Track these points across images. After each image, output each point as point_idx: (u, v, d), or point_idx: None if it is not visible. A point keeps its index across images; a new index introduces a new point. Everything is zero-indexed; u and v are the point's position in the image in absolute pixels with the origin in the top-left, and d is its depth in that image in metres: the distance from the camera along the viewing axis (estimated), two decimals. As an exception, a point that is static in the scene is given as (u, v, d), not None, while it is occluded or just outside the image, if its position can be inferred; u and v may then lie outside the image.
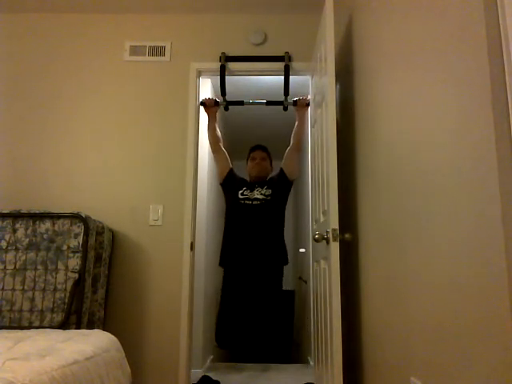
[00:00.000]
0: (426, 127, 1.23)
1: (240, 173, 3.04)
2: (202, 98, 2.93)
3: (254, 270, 2.68)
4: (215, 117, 2.89)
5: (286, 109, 2.95)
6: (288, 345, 2.77)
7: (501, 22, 0.88)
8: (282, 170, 2.86)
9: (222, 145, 2.90)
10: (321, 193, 2.25)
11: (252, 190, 2.81)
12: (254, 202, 2.75)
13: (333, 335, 1.81)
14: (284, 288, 2.88)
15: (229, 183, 2.86)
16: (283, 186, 2.82)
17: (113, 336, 1.88)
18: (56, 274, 2.21)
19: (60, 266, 2.22)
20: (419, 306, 1.26)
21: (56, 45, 2.92)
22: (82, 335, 1.75)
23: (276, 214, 2.78)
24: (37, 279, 2.21)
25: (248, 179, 2.94)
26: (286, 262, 2.77)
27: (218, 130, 2.90)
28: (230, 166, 2.90)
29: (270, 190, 2.79)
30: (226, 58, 2.84)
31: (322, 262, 2.17)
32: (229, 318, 2.67)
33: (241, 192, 2.80)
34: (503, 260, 0.83)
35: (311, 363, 3.22)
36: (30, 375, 1.10)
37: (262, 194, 2.78)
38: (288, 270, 2.79)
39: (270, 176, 2.95)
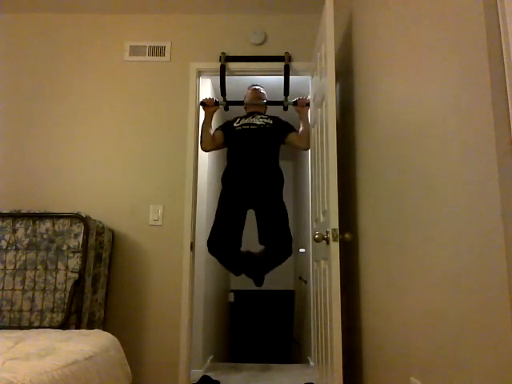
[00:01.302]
0: (426, 127, 1.23)
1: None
2: (202, 98, 2.93)
3: (253, 184, 2.69)
4: (212, 116, 2.89)
5: (286, 109, 2.94)
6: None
7: (501, 22, 0.88)
8: (286, 133, 2.80)
9: (212, 142, 2.88)
10: (321, 193, 2.25)
11: (247, 118, 2.83)
12: (252, 127, 2.76)
13: (333, 335, 1.81)
14: (284, 288, 2.87)
15: (228, 135, 2.84)
16: (280, 134, 2.80)
17: (113, 336, 1.88)
18: (56, 274, 2.21)
19: (60, 266, 2.22)
20: (419, 305, 1.26)
21: (56, 45, 2.92)
22: (82, 335, 1.75)
23: (273, 141, 2.78)
24: (37, 279, 2.21)
25: (244, 114, 2.93)
26: (281, 184, 2.77)
27: (210, 129, 2.89)
28: (221, 134, 2.86)
29: (271, 121, 2.80)
30: (226, 58, 2.84)
31: (322, 262, 2.17)
32: (224, 225, 2.68)
33: (236, 122, 2.83)
34: (503, 260, 0.83)
35: (311, 363, 3.22)
36: (30, 375, 1.10)
37: (261, 121, 2.79)
38: (288, 270, 2.78)
39: (274, 116, 2.91)
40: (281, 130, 2.82)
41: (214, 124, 3.01)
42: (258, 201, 2.70)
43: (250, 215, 2.77)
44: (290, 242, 2.72)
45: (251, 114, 2.87)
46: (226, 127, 2.88)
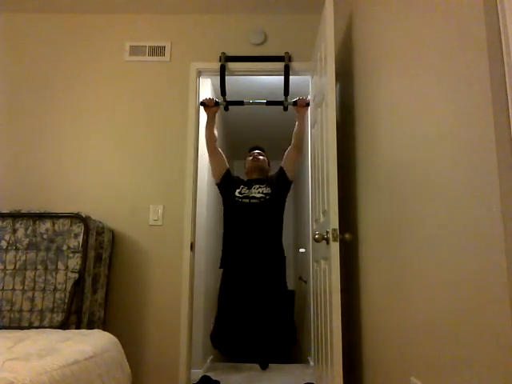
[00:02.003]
0: (426, 127, 1.23)
1: (237, 173, 3.02)
2: (202, 98, 2.92)
3: (254, 270, 2.62)
4: (214, 117, 2.86)
5: (286, 109, 2.94)
6: (292, 344, 2.71)
7: (501, 22, 0.88)
8: (281, 168, 2.80)
9: (217, 145, 2.87)
10: (321, 193, 2.25)
11: (250, 188, 2.75)
12: (252, 201, 2.68)
13: (333, 335, 1.81)
14: (284, 288, 2.85)
15: (226, 183, 2.81)
16: (283, 186, 2.77)
17: (113, 336, 1.88)
18: (56, 274, 2.21)
19: (60, 266, 2.22)
20: (419, 305, 1.26)
21: (56, 45, 2.92)
22: (82, 335, 1.75)
23: (275, 214, 2.72)
24: (37, 279, 2.21)
25: (245, 179, 2.89)
26: (284, 266, 2.70)
27: (215, 130, 2.88)
28: (227, 165, 2.86)
29: (269, 189, 2.74)
30: (226, 58, 2.84)
31: (322, 262, 2.17)
32: (228, 319, 2.60)
33: (238, 191, 2.74)
34: (503, 260, 0.83)
35: (311, 363, 3.22)
36: (30, 375, 1.10)
37: (260, 193, 2.71)
38: (288, 270, 2.77)
39: (269, 175, 2.91)
40: (278, 179, 2.77)
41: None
42: (262, 289, 2.60)
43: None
44: (295, 332, 2.65)
45: (251, 184, 2.79)
46: (230, 182, 2.80)
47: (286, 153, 2.83)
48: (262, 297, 2.60)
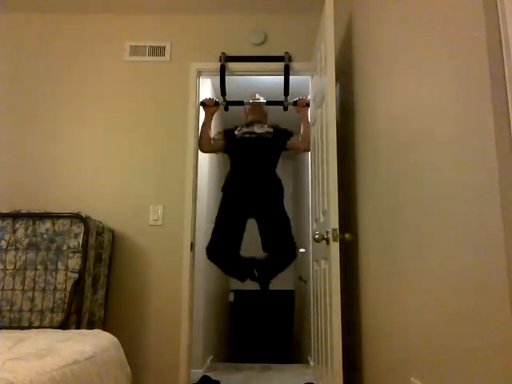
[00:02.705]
0: (426, 127, 1.23)
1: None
2: (202, 98, 2.93)
3: (254, 192, 2.70)
4: (212, 117, 2.89)
5: (286, 109, 2.94)
6: (292, 257, 2.74)
7: (501, 22, 0.88)
8: (286, 139, 2.83)
9: (210, 143, 2.89)
10: (321, 193, 2.25)
11: (249, 126, 2.84)
12: (253, 135, 2.78)
13: (333, 335, 1.81)
14: (284, 288, 2.87)
15: (228, 141, 2.85)
16: (281, 141, 2.82)
17: (113, 336, 1.88)
18: (56, 274, 2.21)
19: (60, 266, 2.22)
20: (419, 305, 1.26)
21: (56, 45, 2.92)
22: (82, 335, 1.75)
23: (273, 150, 2.80)
24: (37, 279, 2.21)
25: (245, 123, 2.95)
26: (282, 193, 2.77)
27: (210, 130, 2.89)
28: (223, 139, 2.87)
29: (272, 129, 2.82)
30: (226, 58, 2.84)
31: (322, 262, 2.17)
32: (225, 232, 2.68)
33: (237, 130, 2.84)
34: (504, 260, 0.83)
35: (311, 363, 3.22)
36: (30, 375, 1.10)
37: (261, 130, 2.81)
38: (288, 270, 2.78)
39: (274, 124, 2.93)
40: (281, 136, 2.83)
41: (213, 124, 3.00)
42: (260, 209, 2.70)
43: (252, 223, 2.77)
44: (294, 247, 2.72)
45: (252, 123, 2.88)
46: (227, 133, 2.88)
47: (297, 141, 2.82)
48: (261, 213, 2.69)
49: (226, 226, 2.71)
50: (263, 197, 2.70)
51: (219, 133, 2.92)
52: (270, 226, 2.69)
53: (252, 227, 2.81)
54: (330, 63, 2.04)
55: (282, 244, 2.67)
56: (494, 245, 0.86)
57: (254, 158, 2.75)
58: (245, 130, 2.83)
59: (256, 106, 2.94)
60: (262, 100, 2.98)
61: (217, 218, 2.78)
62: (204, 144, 2.84)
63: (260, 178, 2.73)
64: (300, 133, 2.81)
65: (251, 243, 3.02)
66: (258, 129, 2.83)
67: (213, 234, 2.73)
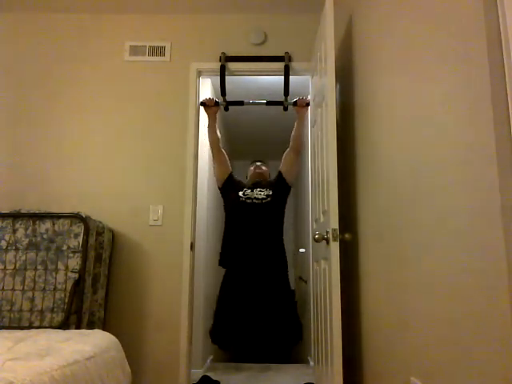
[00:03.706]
0: (426, 127, 1.23)
1: (237, 174, 3.03)
2: (202, 98, 2.92)
3: (257, 268, 2.62)
4: (215, 117, 2.86)
5: (286, 109, 2.94)
6: (298, 339, 2.68)
7: (501, 22, 0.88)
8: (280, 174, 2.82)
9: (221, 146, 2.87)
10: (321, 193, 2.25)
11: (252, 190, 2.78)
12: (255, 201, 2.72)
13: (333, 335, 1.81)
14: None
15: (229, 186, 2.82)
16: (282, 189, 2.80)
17: (113, 336, 1.88)
18: (56, 273, 2.21)
19: (60, 266, 2.22)
20: (419, 305, 1.26)
21: (56, 45, 2.92)
22: (82, 335, 1.75)
23: (276, 215, 2.74)
24: (37, 279, 2.21)
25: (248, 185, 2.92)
26: (286, 266, 2.71)
27: (218, 130, 2.88)
28: (230, 169, 2.88)
29: (271, 191, 2.76)
30: (226, 58, 2.84)
31: (322, 262, 2.17)
32: (228, 314, 2.60)
33: (242, 192, 2.77)
34: (504, 260, 0.83)
35: (311, 363, 3.21)
36: (30, 375, 1.10)
37: (262, 194, 2.75)
38: (288, 270, 2.76)
39: (269, 179, 2.94)
40: (279, 185, 2.79)
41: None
42: (264, 285, 2.60)
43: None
44: (300, 328, 2.63)
45: (253, 187, 2.81)
46: (233, 185, 2.83)
47: (284, 156, 2.82)
48: (265, 293, 2.60)
49: (231, 307, 2.60)
50: (267, 274, 2.61)
51: (230, 173, 2.87)
52: (274, 306, 2.58)
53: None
54: (330, 63, 2.04)
55: (287, 326, 2.58)
56: (494, 245, 0.86)
57: (258, 227, 2.67)
58: (248, 193, 2.76)
59: (260, 171, 2.93)
60: (262, 101, 2.98)
61: (219, 296, 2.69)
62: (213, 146, 2.82)
63: (264, 251, 2.64)
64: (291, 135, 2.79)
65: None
66: (258, 194, 2.75)
67: (216, 316, 2.64)
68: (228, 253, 2.72)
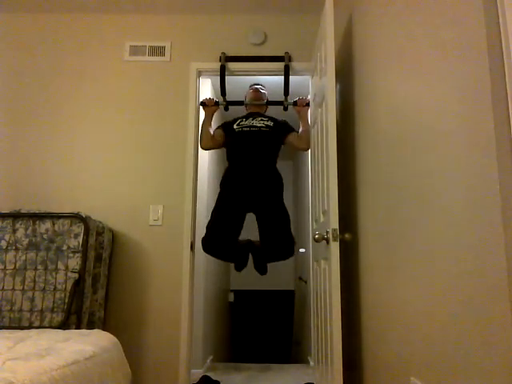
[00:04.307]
0: (425, 127, 1.23)
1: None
2: (202, 98, 2.93)
3: (252, 186, 2.67)
4: (212, 117, 2.89)
5: (286, 109, 2.94)
6: (290, 254, 2.70)
7: (501, 22, 0.88)
8: (286, 134, 2.80)
9: (212, 142, 2.88)
10: (321, 193, 2.25)
11: (249, 119, 2.81)
12: (252, 129, 2.75)
13: (333, 335, 1.81)
14: (284, 288, 2.84)
15: (228, 134, 2.83)
16: (280, 134, 2.79)
17: (113, 336, 1.88)
18: (56, 273, 2.21)
19: (60, 266, 2.22)
20: (419, 305, 1.26)
21: (56, 45, 2.92)
22: (82, 335, 1.75)
23: (273, 144, 2.77)
24: (37, 279, 2.21)
25: (245, 114, 2.92)
26: (282, 187, 2.75)
27: (210, 128, 2.89)
28: (222, 134, 2.85)
29: (272, 123, 2.79)
30: (226, 58, 2.84)
31: (322, 262, 2.17)
32: (222, 226, 2.63)
33: (235, 124, 2.81)
34: (503, 261, 0.83)
35: (311, 363, 3.22)
36: (29, 375, 1.10)
37: (261, 123, 2.77)
38: (288, 270, 2.77)
39: (274, 118, 2.90)
40: (281, 131, 2.80)
41: (214, 124, 3.00)
42: (259, 204, 2.66)
43: (251, 218, 2.75)
44: (293, 243, 2.68)
45: (251, 116, 2.85)
46: (226, 127, 2.87)
47: (295, 138, 2.79)
48: (260, 206, 2.66)
49: (223, 218, 2.66)
50: (262, 191, 2.67)
51: (218, 127, 2.90)
52: (268, 220, 2.64)
53: (252, 222, 2.77)
54: (330, 63, 2.04)
55: (280, 239, 2.63)
56: (494, 245, 0.86)
57: (253, 151, 2.72)
58: (244, 122, 2.80)
59: (256, 98, 2.91)
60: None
61: (214, 209, 2.73)
62: (204, 141, 2.84)
63: (259, 171, 2.69)
64: (299, 130, 2.80)
65: (251, 235, 2.98)
66: (257, 122, 2.79)
67: (209, 227, 2.67)
68: (226, 175, 2.77)
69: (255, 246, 2.79)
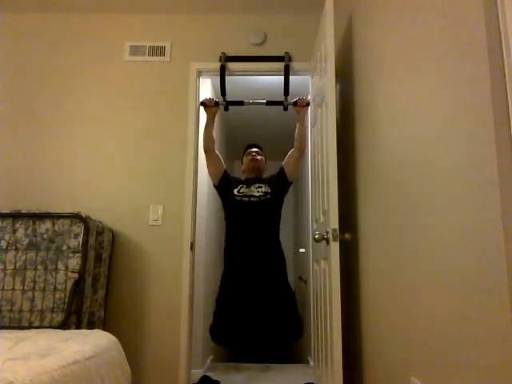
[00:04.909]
0: (426, 127, 1.23)
1: (237, 173, 3.00)
2: (202, 98, 2.92)
3: (256, 266, 2.60)
4: (214, 118, 2.84)
5: (286, 109, 2.94)
6: (298, 335, 2.65)
7: (501, 21, 0.88)
8: (282, 169, 2.79)
9: (215, 146, 2.83)
10: (321, 193, 2.25)
11: (249, 187, 2.74)
12: (252, 199, 2.67)
13: (333, 335, 1.81)
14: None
15: (224, 184, 2.79)
16: (282, 186, 2.77)
17: (113, 336, 1.88)
18: (56, 273, 2.21)
19: (60, 266, 2.22)
20: (419, 305, 1.26)
21: (56, 45, 2.92)
22: (82, 335, 1.75)
23: (274, 212, 2.71)
24: (37, 279, 2.21)
25: (243, 179, 2.88)
26: (285, 263, 2.70)
27: (213, 132, 2.87)
28: (224, 167, 2.84)
29: (269, 188, 2.73)
30: (226, 58, 2.84)
31: (322, 262, 2.17)
32: (228, 311, 2.57)
33: (237, 190, 2.73)
34: (504, 261, 0.83)
35: (311, 363, 3.22)
36: (29, 375, 1.10)
37: (259, 192, 2.71)
38: (288, 270, 2.76)
39: (270, 174, 2.89)
40: (278, 186, 2.75)
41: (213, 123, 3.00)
42: (263, 284, 2.57)
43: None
44: (301, 324, 2.60)
45: (250, 182, 2.77)
46: (227, 179, 2.79)
47: (288, 153, 2.80)
48: (264, 289, 2.57)
49: (231, 304, 2.57)
50: (266, 271, 2.59)
51: (222, 165, 2.83)
52: (274, 302, 2.55)
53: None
54: (330, 63, 2.04)
55: (288, 322, 2.55)
56: (494, 245, 0.86)
57: (254, 225, 2.64)
58: (244, 190, 2.72)
59: (254, 162, 2.86)
60: (262, 101, 2.98)
61: (219, 294, 2.66)
62: (205, 144, 2.78)
63: (261, 248, 2.62)
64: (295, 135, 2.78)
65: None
66: (255, 190, 2.71)
67: (215, 314, 2.61)
68: (227, 252, 2.70)
69: (262, 334, 2.66)
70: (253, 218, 2.65)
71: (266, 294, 2.57)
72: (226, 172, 2.83)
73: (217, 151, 2.84)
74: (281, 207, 2.77)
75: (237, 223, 2.70)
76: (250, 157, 2.89)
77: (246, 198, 2.68)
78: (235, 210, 2.70)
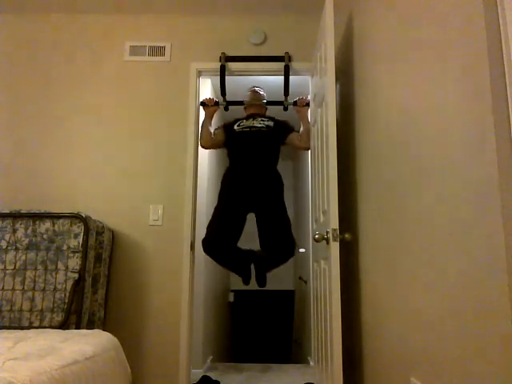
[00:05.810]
0: (426, 126, 1.23)
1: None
2: (202, 98, 2.93)
3: (254, 185, 2.67)
4: (212, 117, 2.89)
5: (286, 109, 2.94)
6: (290, 254, 2.69)
7: (501, 22, 0.88)
8: (286, 134, 2.79)
9: (212, 139, 2.88)
10: (321, 193, 2.25)
11: (248, 120, 2.82)
12: (253, 129, 2.76)
13: (333, 335, 1.81)
14: (284, 288, 2.83)
15: (228, 134, 2.83)
16: (281, 134, 2.79)
17: (113, 336, 1.88)
18: (56, 274, 2.21)
19: (60, 266, 2.22)
20: (419, 306, 1.26)
21: (56, 45, 2.92)
22: (82, 335, 1.75)
23: (274, 145, 2.77)
24: (37, 279, 2.21)
25: (244, 116, 2.92)
26: (282, 188, 2.74)
27: (210, 128, 2.89)
28: (222, 133, 2.85)
29: (272, 123, 2.80)
30: (226, 58, 2.84)
31: (322, 262, 2.17)
32: (223, 228, 2.63)
33: (236, 125, 2.82)
34: (504, 261, 0.83)
35: (311, 363, 3.22)
36: (29, 375, 1.10)
37: (261, 124, 2.78)
38: (288, 270, 2.76)
39: (275, 118, 2.90)
40: (281, 131, 2.81)
41: (214, 124, 3.01)
42: (259, 204, 2.66)
43: (251, 225, 2.73)
44: (293, 244, 2.67)
45: (251, 117, 2.86)
46: (226, 128, 2.87)
47: (295, 138, 2.78)
48: (260, 207, 2.66)
49: (224, 219, 2.65)
50: (262, 191, 2.66)
51: (219, 127, 2.91)
52: (268, 221, 2.64)
53: (252, 222, 2.76)
54: (330, 63, 2.04)
55: (281, 240, 2.62)
56: (494, 244, 0.86)
57: (254, 152, 2.72)
58: (244, 123, 2.81)
59: (256, 99, 2.92)
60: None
61: (215, 210, 2.73)
62: (204, 140, 2.84)
63: (259, 172, 2.69)
64: (300, 130, 2.80)
65: (251, 238, 2.97)
66: (257, 122, 2.80)
67: (209, 227, 2.67)
68: (227, 173, 2.77)
69: (257, 255, 2.77)
70: (252, 143, 2.74)
71: (261, 211, 2.66)
72: (224, 127, 2.88)
73: (211, 129, 2.86)
74: (279, 147, 2.83)
75: (237, 149, 2.78)
76: (251, 90, 2.96)
77: (247, 129, 2.78)
78: (235, 140, 2.79)
